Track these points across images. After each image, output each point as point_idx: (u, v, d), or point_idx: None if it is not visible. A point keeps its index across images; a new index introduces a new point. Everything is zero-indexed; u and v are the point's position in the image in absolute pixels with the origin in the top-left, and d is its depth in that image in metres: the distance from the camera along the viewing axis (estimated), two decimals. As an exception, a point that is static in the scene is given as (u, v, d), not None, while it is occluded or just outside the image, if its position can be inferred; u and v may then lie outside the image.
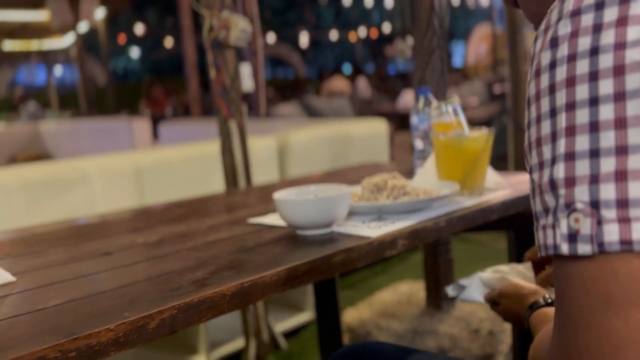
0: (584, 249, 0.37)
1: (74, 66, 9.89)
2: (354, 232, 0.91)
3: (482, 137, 1.08)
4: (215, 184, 1.99)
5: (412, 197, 1.01)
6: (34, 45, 9.64)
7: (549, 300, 0.78)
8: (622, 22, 0.37)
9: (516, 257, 1.21)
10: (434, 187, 1.08)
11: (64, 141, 4.81)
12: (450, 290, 0.95)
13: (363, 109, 5.98)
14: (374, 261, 0.88)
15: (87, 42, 8.95)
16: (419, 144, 1.31)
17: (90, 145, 4.30)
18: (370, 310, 1.91)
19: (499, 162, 2.76)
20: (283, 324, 2.03)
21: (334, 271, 0.82)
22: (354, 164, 2.04)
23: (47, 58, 10.90)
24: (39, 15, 7.15)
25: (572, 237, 0.38)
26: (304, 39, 13.42)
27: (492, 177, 1.17)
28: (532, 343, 0.63)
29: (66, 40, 8.40)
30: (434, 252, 1.87)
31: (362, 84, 7.79)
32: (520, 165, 3.36)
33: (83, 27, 6.92)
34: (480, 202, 1.05)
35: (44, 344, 0.55)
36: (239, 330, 1.92)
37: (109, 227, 1.15)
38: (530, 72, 0.43)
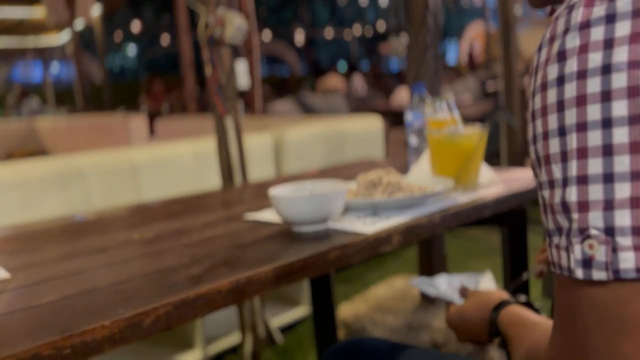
0: (599, 275, 0.37)
1: (70, 63, 9.85)
2: (349, 228, 0.91)
3: (476, 134, 1.09)
4: (212, 180, 1.99)
5: (407, 194, 1.01)
6: (30, 42, 9.60)
7: (522, 300, 0.78)
8: (635, 38, 0.36)
9: (509, 252, 1.22)
10: (428, 184, 1.08)
11: (60, 138, 4.79)
12: (423, 286, 0.94)
13: (358, 106, 5.98)
14: (369, 257, 0.89)
15: (83, 39, 8.91)
16: (413, 140, 1.32)
17: (87, 142, 4.29)
18: (366, 305, 1.92)
19: (493, 158, 2.77)
20: (279, 319, 2.04)
21: (329, 267, 0.82)
22: (349, 160, 2.04)
23: (43, 55, 10.86)
24: (35, 12, 7.12)
25: (587, 262, 0.37)
26: (299, 37, 13.41)
27: (485, 173, 1.17)
28: (521, 354, 0.62)
29: (62, 37, 8.37)
30: (428, 247, 1.88)
31: (358, 81, 7.79)
32: (513, 162, 3.37)
33: (79, 24, 6.89)
34: (474, 199, 1.06)
35: (38, 341, 0.55)
36: (235, 324, 1.92)
37: (104, 224, 1.15)
38: (535, 84, 0.42)
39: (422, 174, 1.19)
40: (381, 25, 14.56)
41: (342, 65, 12.37)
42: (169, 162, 1.96)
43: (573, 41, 0.38)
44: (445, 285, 0.92)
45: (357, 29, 15.30)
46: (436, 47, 1.60)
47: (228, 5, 1.79)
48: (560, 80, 0.38)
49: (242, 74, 1.95)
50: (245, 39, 1.90)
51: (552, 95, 0.39)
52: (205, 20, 1.76)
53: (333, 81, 7.42)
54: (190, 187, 1.88)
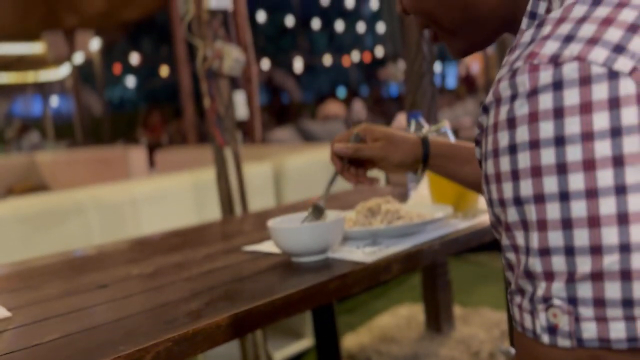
0: (563, 342, 0.38)
1: (69, 96, 9.97)
2: (348, 257, 0.91)
3: (473, 159, 1.09)
4: (212, 211, 1.99)
5: (406, 221, 1.01)
6: (30, 77, 9.72)
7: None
8: (586, 108, 0.36)
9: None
10: (427, 211, 1.08)
11: (60, 171, 4.81)
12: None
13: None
14: (370, 286, 0.89)
15: (83, 72, 9.03)
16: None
17: (87, 175, 4.30)
18: (370, 335, 1.90)
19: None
20: (282, 352, 2.01)
21: (329, 298, 0.82)
22: (349, 187, 2.05)
23: (43, 89, 10.98)
24: (35, 48, 7.22)
25: (552, 330, 0.38)
26: (298, 64, 13.59)
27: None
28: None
29: (62, 71, 8.48)
30: (432, 274, 1.87)
31: (358, 106, 7.85)
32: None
33: (78, 58, 7.00)
34: (473, 224, 1.06)
35: (38, 381, 0.55)
36: (237, 358, 1.90)
37: (104, 259, 1.15)
38: (485, 147, 0.41)
39: (421, 201, 1.20)
40: (379, 51, 14.78)
41: (342, 92, 12.51)
42: (169, 194, 1.97)
43: (522, 108, 0.38)
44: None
45: (355, 55, 15.52)
46: (432, 74, 1.62)
47: (226, 38, 1.83)
48: (513, 149, 0.38)
49: (241, 105, 1.98)
50: (244, 69, 1.93)
51: (504, 163, 0.39)
52: (203, 54, 1.79)
53: (333, 107, 7.48)
54: (190, 219, 1.88)
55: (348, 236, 1.00)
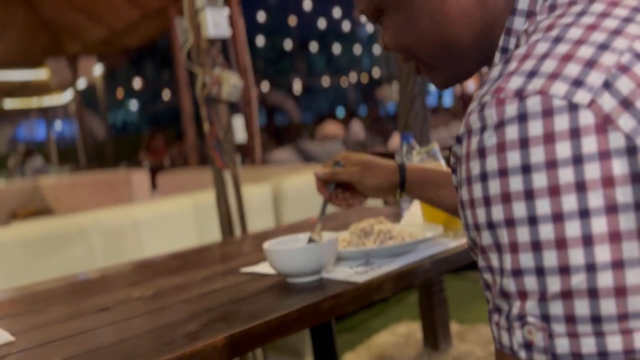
0: (539, 358, 0.39)
1: (73, 121, 10.07)
2: (342, 277, 0.94)
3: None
4: (213, 232, 2.02)
5: (398, 241, 1.04)
6: (33, 102, 9.84)
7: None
8: (549, 138, 0.38)
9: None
10: (419, 230, 1.11)
11: (64, 195, 4.86)
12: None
13: (357, 151, 6.07)
14: (363, 305, 0.91)
15: (86, 97, 9.15)
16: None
17: (90, 199, 4.35)
18: (369, 354, 1.91)
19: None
20: (283, 372, 2.02)
21: (323, 318, 0.85)
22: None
23: (47, 114, 11.10)
24: (38, 74, 7.34)
25: (528, 346, 0.40)
26: (297, 86, 13.75)
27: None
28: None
29: (65, 97, 8.59)
30: (428, 292, 1.89)
31: (356, 126, 7.92)
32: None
33: (82, 83, 7.10)
34: (463, 243, 1.09)
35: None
36: (239, 379, 1.91)
37: (107, 282, 1.18)
38: (460, 175, 0.44)
39: (414, 220, 1.23)
40: (376, 72, 14.98)
41: (341, 112, 12.62)
42: (170, 216, 2.00)
43: (490, 139, 0.40)
44: None
45: (353, 76, 15.72)
46: (424, 96, 1.67)
47: (224, 65, 1.88)
48: (484, 177, 0.41)
49: (239, 129, 2.02)
50: (243, 92, 1.98)
51: (477, 190, 0.42)
52: (202, 80, 1.84)
53: (331, 128, 7.55)
54: (191, 240, 1.91)
55: (342, 256, 1.03)
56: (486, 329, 1.95)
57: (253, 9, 11.61)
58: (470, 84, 9.06)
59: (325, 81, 15.83)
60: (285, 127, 10.01)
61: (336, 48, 13.85)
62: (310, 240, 0.99)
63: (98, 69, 7.25)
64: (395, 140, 5.73)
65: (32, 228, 1.75)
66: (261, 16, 11.81)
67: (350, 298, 0.88)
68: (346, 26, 12.07)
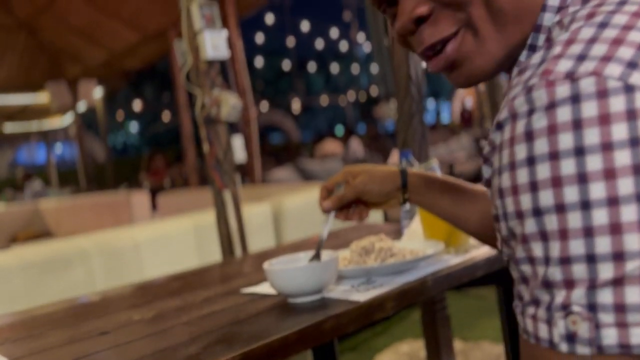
0: (582, 350, 0.38)
1: (73, 144, 10.10)
2: (343, 296, 0.93)
3: (462, 196, 1.13)
4: (213, 252, 2.02)
5: (399, 259, 1.04)
6: (34, 126, 9.89)
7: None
8: (604, 120, 0.37)
9: (506, 310, 1.23)
10: (420, 247, 1.11)
11: (64, 218, 4.85)
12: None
13: (357, 168, 6.07)
14: (365, 325, 0.91)
15: (86, 120, 9.21)
16: (405, 204, 1.36)
17: (91, 221, 4.34)
18: (373, 374, 1.89)
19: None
20: (286, 393, 1.99)
21: (324, 338, 0.84)
22: (348, 225, 2.07)
23: (47, 137, 11.15)
24: (39, 98, 7.39)
25: (570, 337, 0.38)
26: (296, 105, 13.86)
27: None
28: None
29: (65, 120, 8.64)
30: (431, 309, 1.87)
31: (355, 144, 7.95)
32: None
33: (82, 106, 7.15)
34: (465, 260, 1.09)
35: None
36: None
37: (107, 305, 1.17)
38: (501, 162, 0.42)
39: (414, 237, 1.22)
40: (374, 90, 15.13)
41: (340, 130, 12.70)
42: (171, 237, 2.00)
43: (540, 121, 0.39)
44: None
45: (351, 95, 15.86)
46: (422, 114, 1.67)
47: (223, 86, 1.89)
48: (531, 161, 0.39)
49: (239, 149, 2.03)
50: (243, 113, 1.99)
51: (522, 175, 0.40)
52: (201, 101, 1.86)
53: (331, 146, 7.57)
54: (192, 261, 1.91)
55: (343, 275, 1.02)
56: (490, 346, 1.93)
57: (252, 31, 11.77)
58: (468, 101, 9.12)
59: (324, 100, 15.96)
60: (282, 146, 10.05)
61: (334, 67, 14.03)
62: (312, 259, 0.98)
63: (98, 92, 7.31)
64: (394, 157, 5.75)
65: (32, 251, 1.75)
66: (260, 37, 11.96)
67: (352, 317, 0.88)
68: (344, 46, 12.24)
